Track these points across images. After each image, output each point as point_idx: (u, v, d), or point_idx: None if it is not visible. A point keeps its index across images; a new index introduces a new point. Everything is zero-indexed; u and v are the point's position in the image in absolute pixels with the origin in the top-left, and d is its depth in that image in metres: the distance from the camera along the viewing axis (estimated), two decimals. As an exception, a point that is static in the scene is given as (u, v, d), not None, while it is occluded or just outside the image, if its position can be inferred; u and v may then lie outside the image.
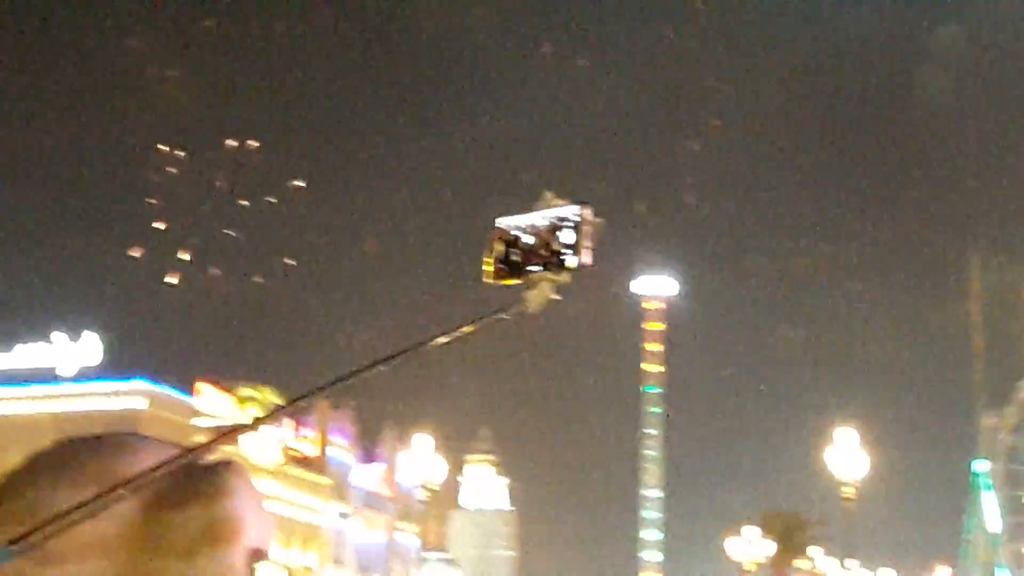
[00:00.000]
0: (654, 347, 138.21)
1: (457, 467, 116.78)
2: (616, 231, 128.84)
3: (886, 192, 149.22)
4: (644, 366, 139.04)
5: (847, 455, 57.59)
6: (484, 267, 3.97)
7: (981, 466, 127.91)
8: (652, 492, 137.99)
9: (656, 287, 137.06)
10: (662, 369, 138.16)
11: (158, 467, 3.53)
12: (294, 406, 3.83)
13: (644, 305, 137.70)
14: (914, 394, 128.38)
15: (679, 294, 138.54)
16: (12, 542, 3.13)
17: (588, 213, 3.88)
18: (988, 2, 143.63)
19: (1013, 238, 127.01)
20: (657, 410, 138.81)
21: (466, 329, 3.83)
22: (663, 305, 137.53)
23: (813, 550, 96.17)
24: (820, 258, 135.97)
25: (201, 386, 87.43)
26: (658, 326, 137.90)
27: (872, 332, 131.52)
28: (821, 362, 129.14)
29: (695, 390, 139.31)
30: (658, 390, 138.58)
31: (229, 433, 3.78)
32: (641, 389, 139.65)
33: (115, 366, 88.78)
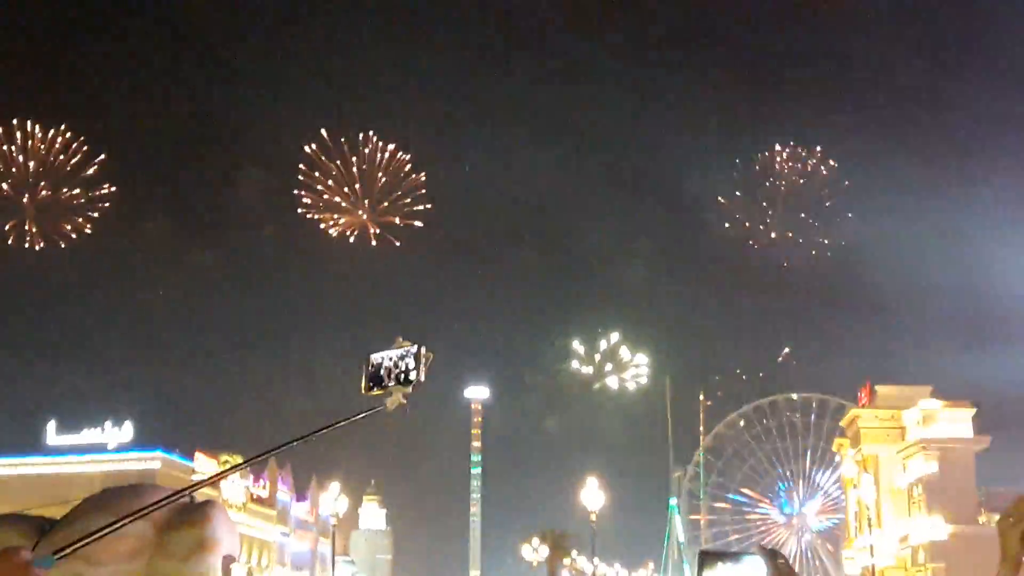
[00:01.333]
0: (476, 429, 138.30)
1: (356, 503, 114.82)
2: (453, 359, 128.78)
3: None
4: (472, 441, 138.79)
5: (592, 494, 57.65)
6: (362, 384, 4.16)
7: (673, 500, 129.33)
8: (475, 518, 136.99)
9: (476, 392, 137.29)
10: (479, 444, 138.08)
11: (157, 503, 3.53)
12: (237, 469, 4.00)
13: (472, 403, 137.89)
14: (635, 459, 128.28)
15: (491, 396, 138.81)
16: (55, 552, 3.01)
17: (423, 350, 4.13)
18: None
19: (689, 373, 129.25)
20: (478, 468, 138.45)
21: (353, 419, 4.03)
22: (480, 403, 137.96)
23: (574, 553, 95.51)
24: (567, 375, 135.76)
25: (197, 454, 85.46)
26: (478, 415, 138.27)
27: (607, 424, 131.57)
28: (575, 442, 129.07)
29: (503, 454, 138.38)
30: (478, 457, 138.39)
31: (201, 483, 3.82)
32: (470, 454, 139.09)
33: (141, 442, 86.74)
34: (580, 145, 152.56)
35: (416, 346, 4.20)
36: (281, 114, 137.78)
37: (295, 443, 3.89)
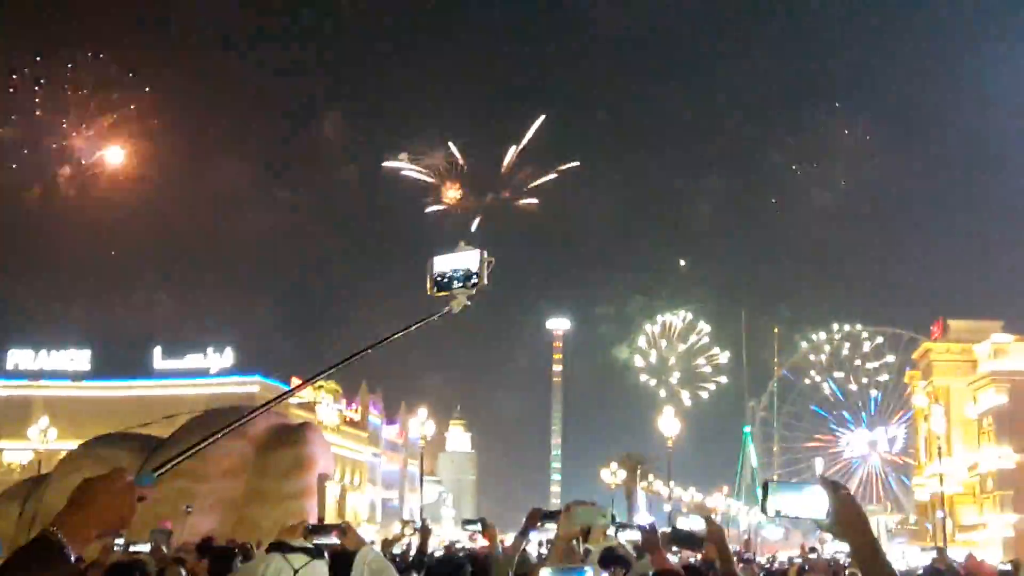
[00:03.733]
0: (558, 357, 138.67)
1: (443, 427, 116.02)
2: (535, 291, 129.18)
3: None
4: (553, 366, 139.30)
5: (669, 421, 57.82)
6: (427, 286, 4.17)
7: (747, 428, 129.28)
8: (556, 442, 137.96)
9: (557, 323, 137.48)
10: (560, 370, 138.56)
11: (239, 419, 3.59)
12: (310, 383, 4.09)
13: (554, 333, 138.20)
14: (711, 388, 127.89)
15: (572, 328, 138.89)
16: (155, 469, 3.10)
17: (485, 254, 4.12)
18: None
19: (770, 308, 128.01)
20: (559, 396, 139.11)
21: (421, 323, 4.04)
22: (561, 333, 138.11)
23: (651, 477, 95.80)
24: (642, 305, 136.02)
25: (293, 378, 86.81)
26: (559, 345, 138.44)
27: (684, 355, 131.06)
28: (654, 371, 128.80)
29: (581, 384, 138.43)
30: (559, 384, 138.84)
31: (280, 397, 3.89)
32: (551, 381, 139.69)
33: (241, 367, 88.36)
34: (646, 78, 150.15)
35: (479, 251, 4.20)
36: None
37: (368, 350, 3.88)
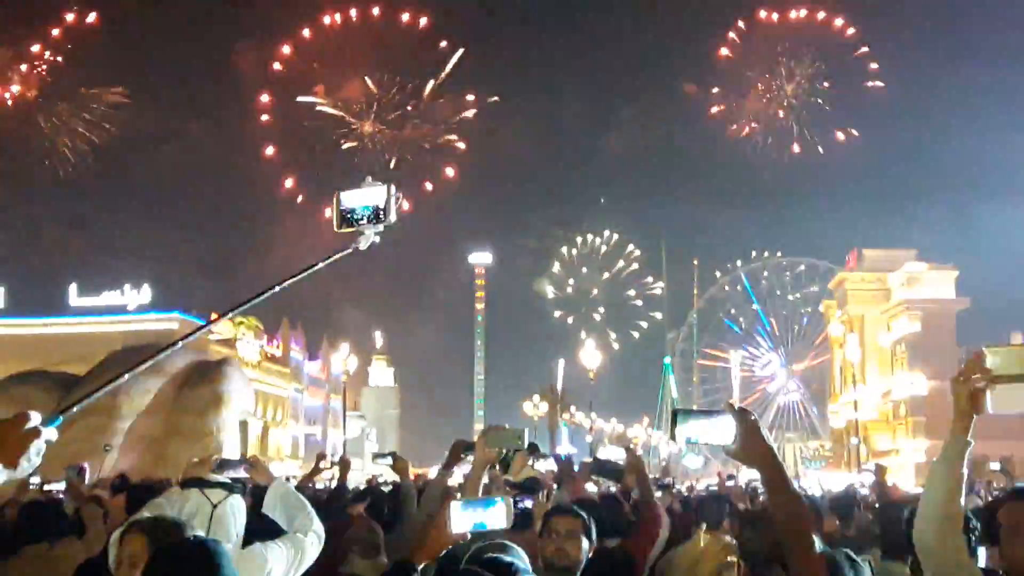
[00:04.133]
0: (480, 295, 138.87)
1: (365, 362, 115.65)
2: (464, 229, 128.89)
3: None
4: (476, 304, 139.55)
5: (590, 354, 58.46)
6: (334, 222, 4.07)
7: (667, 359, 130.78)
8: (479, 376, 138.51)
9: (480, 257, 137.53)
10: (483, 306, 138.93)
11: (150, 356, 3.53)
12: (226, 317, 4.03)
13: (476, 268, 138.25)
14: (643, 325, 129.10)
15: (494, 262, 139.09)
16: (60, 411, 3.04)
17: (393, 189, 4.04)
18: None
19: (690, 239, 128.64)
20: (481, 330, 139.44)
21: (328, 260, 3.95)
22: (483, 269, 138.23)
23: (573, 408, 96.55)
24: (561, 239, 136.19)
25: (212, 315, 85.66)
26: (481, 283, 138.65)
27: (604, 285, 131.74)
28: (576, 305, 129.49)
29: (504, 318, 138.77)
30: (481, 319, 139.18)
31: (195, 331, 3.83)
32: (474, 315, 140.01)
33: (159, 304, 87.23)
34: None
35: (386, 185, 4.09)
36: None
37: (277, 288, 3.82)
